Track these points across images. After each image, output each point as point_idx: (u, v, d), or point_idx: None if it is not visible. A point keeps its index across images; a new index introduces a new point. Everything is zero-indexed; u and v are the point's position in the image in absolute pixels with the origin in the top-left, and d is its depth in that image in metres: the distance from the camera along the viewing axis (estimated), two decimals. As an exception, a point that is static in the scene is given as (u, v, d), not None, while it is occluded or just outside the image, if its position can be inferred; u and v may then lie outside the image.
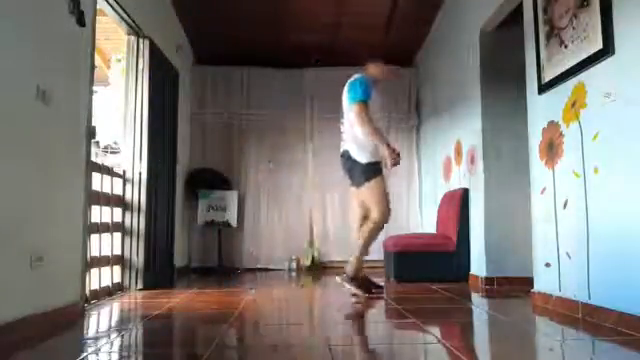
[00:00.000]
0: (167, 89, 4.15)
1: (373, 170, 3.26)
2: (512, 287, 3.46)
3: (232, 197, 5.36)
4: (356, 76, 3.39)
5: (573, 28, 2.48)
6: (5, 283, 2.02)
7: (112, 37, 5.18)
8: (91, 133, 2.79)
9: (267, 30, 5.03)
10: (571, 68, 2.49)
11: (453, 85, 4.43)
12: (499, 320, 2.62)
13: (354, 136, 3.32)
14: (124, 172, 3.60)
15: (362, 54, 3.63)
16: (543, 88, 2.78)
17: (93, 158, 3.17)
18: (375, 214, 3.25)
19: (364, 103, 3.20)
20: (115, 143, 5.70)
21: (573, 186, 2.49)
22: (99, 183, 3.22)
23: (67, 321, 2.42)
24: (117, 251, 3.49)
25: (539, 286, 2.83)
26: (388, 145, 3.17)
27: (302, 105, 5.68)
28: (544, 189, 2.78)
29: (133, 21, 3.46)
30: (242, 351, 2.04)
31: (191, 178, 5.27)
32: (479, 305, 3.06)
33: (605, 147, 2.26)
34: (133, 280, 3.54)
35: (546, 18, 2.75)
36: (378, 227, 3.28)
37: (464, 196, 4.06)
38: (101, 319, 2.65)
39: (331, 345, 1.91)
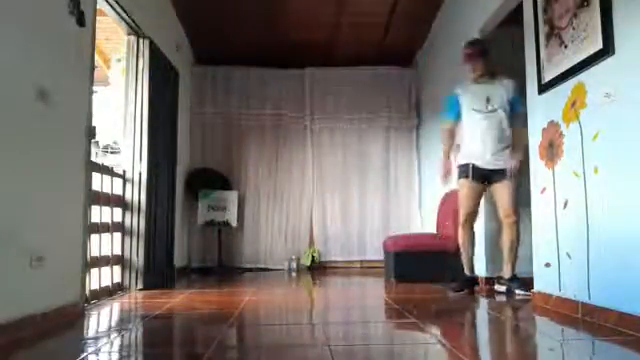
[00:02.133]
0: (167, 89, 4.15)
1: (458, 172, 3.42)
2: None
3: (232, 197, 5.36)
4: None
5: (573, 28, 2.48)
6: (5, 283, 2.02)
7: (112, 37, 5.19)
8: (91, 133, 2.79)
9: (267, 30, 5.03)
10: (571, 68, 2.48)
11: (453, 85, 4.41)
12: (499, 320, 2.62)
13: None
14: (124, 172, 3.59)
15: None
16: (543, 88, 2.78)
17: (93, 158, 3.17)
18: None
19: (443, 115, 3.62)
20: (115, 143, 5.70)
21: (573, 186, 2.48)
22: (99, 183, 3.22)
23: (67, 321, 2.42)
24: (117, 251, 3.49)
25: (539, 286, 2.83)
26: (443, 158, 3.56)
27: (302, 105, 5.68)
28: (544, 189, 2.78)
29: (133, 21, 3.46)
30: (242, 351, 2.04)
31: (191, 178, 5.27)
32: (479, 305, 3.06)
33: (605, 147, 2.26)
34: (133, 280, 3.54)
35: (546, 18, 2.74)
36: (459, 227, 3.46)
37: (464, 196, 4.05)
38: (101, 319, 2.65)
39: (331, 345, 1.91)
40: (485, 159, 3.26)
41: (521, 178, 3.21)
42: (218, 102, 5.59)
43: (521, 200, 3.30)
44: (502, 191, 3.25)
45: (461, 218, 3.42)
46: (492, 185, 3.31)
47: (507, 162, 3.21)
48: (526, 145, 3.11)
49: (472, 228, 3.45)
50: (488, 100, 3.28)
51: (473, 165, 3.30)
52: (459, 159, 3.42)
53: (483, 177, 3.30)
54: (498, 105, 3.25)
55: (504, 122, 3.24)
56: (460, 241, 3.46)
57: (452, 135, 3.55)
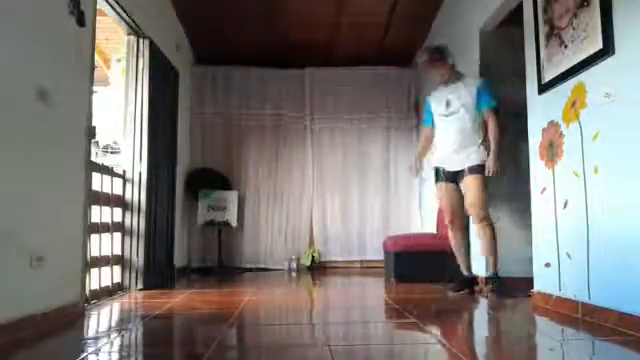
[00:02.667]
0: (167, 89, 4.15)
1: (434, 175, 3.54)
2: (512, 287, 3.44)
3: (232, 197, 5.36)
4: None
5: (573, 28, 2.48)
6: (5, 283, 2.02)
7: (112, 37, 5.19)
8: (91, 133, 2.79)
9: (267, 30, 5.03)
10: (571, 68, 2.48)
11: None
12: (499, 320, 2.62)
13: None
14: (124, 172, 3.59)
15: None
16: (543, 88, 2.78)
17: (93, 158, 3.17)
18: None
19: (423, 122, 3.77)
20: (115, 143, 5.70)
21: (573, 186, 2.48)
22: (99, 183, 3.22)
23: (67, 321, 2.42)
24: (117, 251, 3.49)
25: (539, 286, 2.83)
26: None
27: (302, 105, 5.68)
28: (544, 189, 2.78)
29: (133, 21, 3.46)
30: (242, 351, 2.04)
31: (191, 178, 5.26)
32: (479, 305, 3.06)
33: (605, 147, 2.26)
34: (133, 280, 3.54)
35: (546, 18, 2.74)
36: (448, 229, 3.50)
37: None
38: (101, 319, 2.65)
39: (331, 345, 1.91)
40: (451, 161, 3.34)
41: (489, 177, 3.21)
42: (218, 102, 5.58)
43: (521, 200, 3.31)
44: (466, 189, 3.27)
45: (447, 221, 3.47)
46: (460, 185, 3.34)
47: (469, 161, 3.23)
48: (496, 145, 3.17)
49: (462, 229, 3.45)
50: (448, 103, 3.34)
51: (443, 169, 3.41)
52: (432, 163, 3.56)
53: (452, 179, 3.37)
54: (458, 106, 3.27)
55: (468, 123, 3.25)
56: (452, 243, 3.48)
57: (429, 141, 3.65)
